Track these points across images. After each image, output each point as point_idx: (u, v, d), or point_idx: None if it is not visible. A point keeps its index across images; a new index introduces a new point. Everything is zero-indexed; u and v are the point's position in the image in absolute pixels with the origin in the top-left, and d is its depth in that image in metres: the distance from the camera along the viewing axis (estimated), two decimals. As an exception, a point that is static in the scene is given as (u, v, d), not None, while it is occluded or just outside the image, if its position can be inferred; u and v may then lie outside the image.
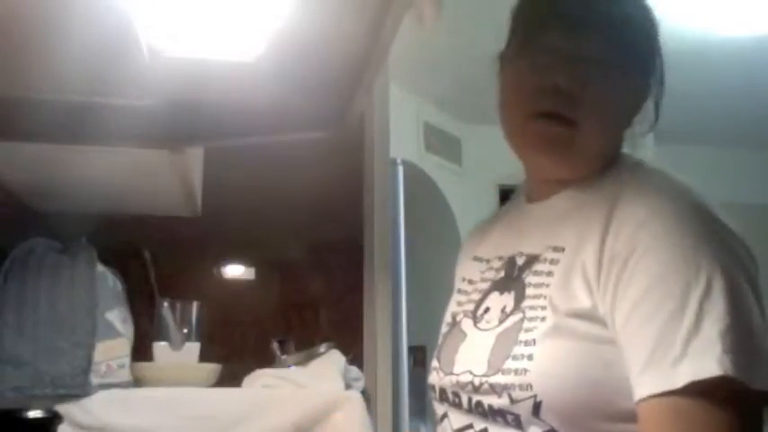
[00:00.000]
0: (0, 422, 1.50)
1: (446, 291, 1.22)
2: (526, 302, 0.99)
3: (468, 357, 1.02)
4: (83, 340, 1.53)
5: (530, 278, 1.01)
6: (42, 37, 0.96)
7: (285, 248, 1.94)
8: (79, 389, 1.50)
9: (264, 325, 1.89)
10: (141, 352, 1.66)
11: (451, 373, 1.03)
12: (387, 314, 1.98)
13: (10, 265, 1.56)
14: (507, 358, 0.95)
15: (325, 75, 1.09)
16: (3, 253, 1.58)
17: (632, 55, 1.03)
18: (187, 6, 0.94)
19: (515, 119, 1.05)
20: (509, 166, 1.17)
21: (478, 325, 1.05)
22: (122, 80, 1.10)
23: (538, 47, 1.03)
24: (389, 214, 2.23)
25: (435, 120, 4.10)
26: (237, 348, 1.87)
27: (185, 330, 1.69)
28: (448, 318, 1.15)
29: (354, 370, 1.77)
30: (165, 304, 1.69)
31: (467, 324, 1.08)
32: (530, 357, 0.93)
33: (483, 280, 1.11)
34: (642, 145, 1.08)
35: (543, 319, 0.95)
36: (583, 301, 0.94)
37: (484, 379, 0.96)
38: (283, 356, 1.75)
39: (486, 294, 1.08)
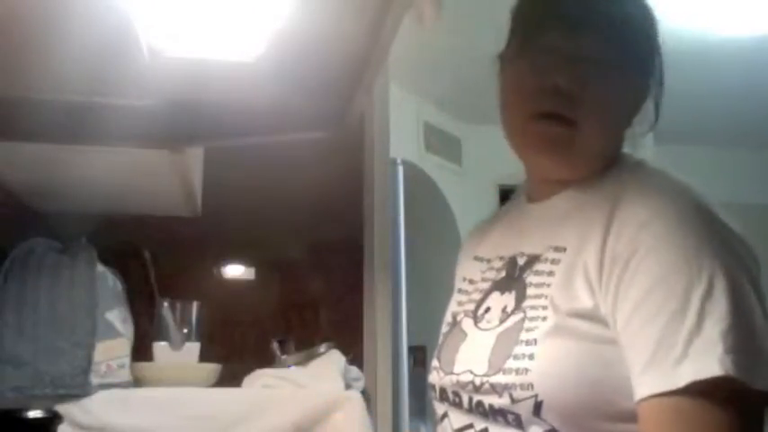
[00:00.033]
0: (0, 422, 1.50)
1: (446, 291, 1.22)
2: (527, 302, 0.99)
3: (469, 357, 1.02)
4: (83, 340, 1.53)
5: (531, 278, 1.01)
6: (42, 37, 0.96)
7: (285, 248, 1.94)
8: (79, 389, 1.50)
9: (264, 325, 1.89)
10: (141, 352, 1.66)
11: (452, 373, 1.03)
12: (387, 314, 1.98)
13: (10, 265, 1.56)
14: (508, 358, 0.95)
15: (325, 75, 1.09)
16: (3, 253, 1.58)
17: (632, 55, 1.03)
18: (187, 6, 0.94)
19: (516, 119, 1.05)
20: (509, 166, 1.17)
21: (479, 325, 1.05)
22: (122, 80, 1.10)
23: (537, 47, 1.03)
24: (389, 214, 2.23)
25: (435, 120, 4.10)
26: (237, 348, 1.87)
27: (185, 330, 1.69)
28: (448, 317, 1.15)
29: (354, 370, 1.77)
30: (165, 304, 1.69)
31: (467, 324, 1.08)
32: (531, 357, 0.93)
33: (484, 280, 1.11)
34: (642, 145, 1.08)
35: (544, 318, 0.95)
36: (584, 301, 0.94)
37: (485, 378, 0.96)
38: (283, 356, 1.75)
39: (486, 294, 1.08)
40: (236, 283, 1.95)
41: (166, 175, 1.45)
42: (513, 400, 0.93)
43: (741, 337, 0.85)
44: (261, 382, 1.67)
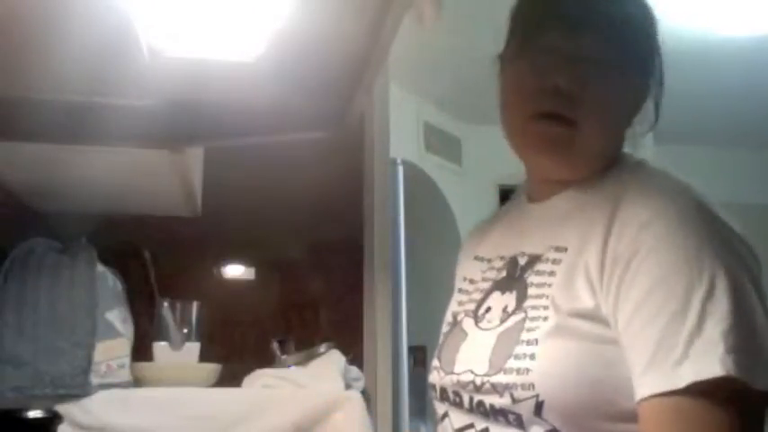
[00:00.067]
0: (0, 422, 1.50)
1: (446, 291, 1.22)
2: (528, 302, 0.99)
3: (470, 357, 1.02)
4: (83, 340, 1.53)
5: (532, 278, 1.01)
6: (42, 37, 0.96)
7: (285, 248, 1.94)
8: (79, 389, 1.50)
9: (264, 325, 1.89)
10: (141, 352, 1.66)
11: (452, 373, 1.03)
12: (387, 314, 1.98)
13: (10, 265, 1.56)
14: (509, 357, 0.95)
15: (325, 75, 1.09)
16: (3, 253, 1.57)
17: (632, 55, 1.03)
18: (187, 6, 0.94)
19: (516, 119, 1.05)
20: (509, 166, 1.17)
21: (480, 324, 1.05)
22: (122, 80, 1.09)
23: (537, 47, 1.03)
24: (389, 214, 2.23)
25: (435, 120, 4.10)
26: (237, 348, 1.86)
27: (185, 330, 1.69)
28: (449, 317, 1.15)
29: (354, 370, 1.77)
30: (165, 304, 1.69)
31: (468, 323, 1.08)
32: (532, 357, 0.93)
33: (484, 279, 1.11)
34: (642, 145, 1.08)
35: (545, 318, 0.95)
36: (586, 301, 0.94)
37: (485, 378, 0.96)
38: (283, 356, 1.75)
39: (487, 294, 1.08)
40: (236, 283, 1.95)
41: (166, 175, 1.45)
42: (514, 400, 0.93)
43: (742, 336, 0.85)
44: (261, 382, 1.67)
